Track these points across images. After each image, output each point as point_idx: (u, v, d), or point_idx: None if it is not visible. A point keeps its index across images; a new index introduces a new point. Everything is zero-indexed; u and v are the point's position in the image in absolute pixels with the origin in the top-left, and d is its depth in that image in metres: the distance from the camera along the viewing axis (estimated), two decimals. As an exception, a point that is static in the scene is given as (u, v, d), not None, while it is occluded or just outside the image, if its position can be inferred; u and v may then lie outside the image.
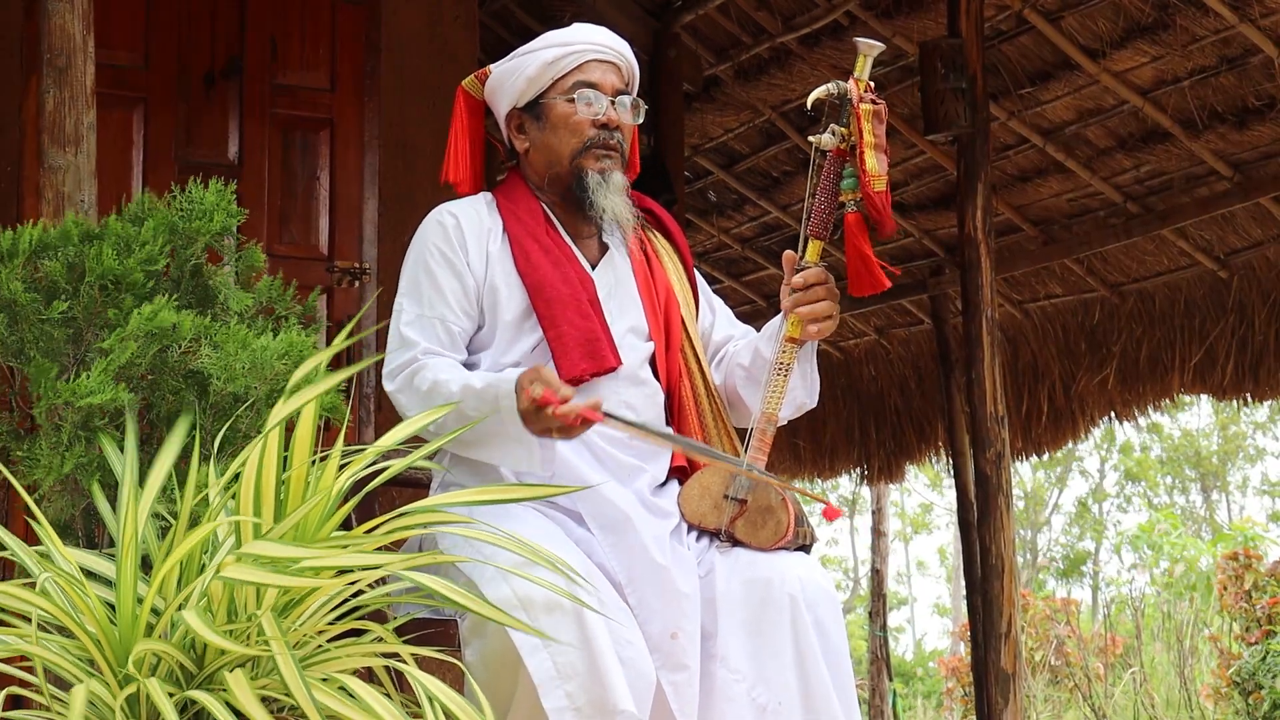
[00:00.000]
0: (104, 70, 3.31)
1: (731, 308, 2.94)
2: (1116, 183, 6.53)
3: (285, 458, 2.06)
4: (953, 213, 6.19)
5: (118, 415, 2.28)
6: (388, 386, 2.59)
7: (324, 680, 1.89)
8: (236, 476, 2.04)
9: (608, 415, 2.40)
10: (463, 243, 2.65)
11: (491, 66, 2.76)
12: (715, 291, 2.94)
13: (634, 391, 2.64)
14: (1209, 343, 6.60)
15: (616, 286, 2.70)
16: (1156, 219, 6.45)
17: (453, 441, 2.51)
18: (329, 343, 2.31)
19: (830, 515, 2.52)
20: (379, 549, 2.07)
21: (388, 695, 2.08)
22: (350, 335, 2.61)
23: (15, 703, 1.94)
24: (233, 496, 2.04)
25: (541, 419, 2.38)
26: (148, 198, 2.56)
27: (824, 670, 2.44)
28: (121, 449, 2.22)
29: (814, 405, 2.74)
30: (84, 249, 2.37)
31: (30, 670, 1.94)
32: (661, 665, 2.41)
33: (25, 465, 2.27)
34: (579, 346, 2.56)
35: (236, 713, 1.83)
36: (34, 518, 2.10)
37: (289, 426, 2.09)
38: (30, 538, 2.18)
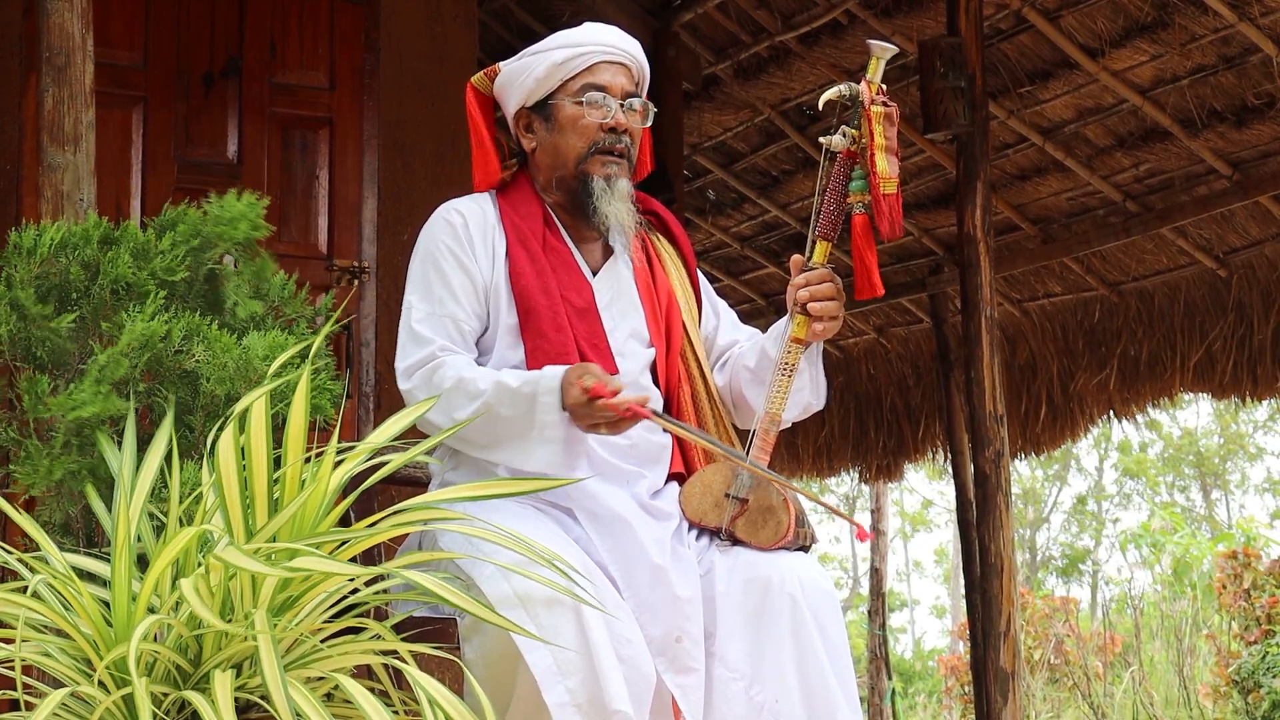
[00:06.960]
0: (103, 69, 3.31)
1: (730, 306, 2.93)
2: (1116, 181, 6.53)
3: (278, 456, 2.06)
4: (952, 211, 6.18)
5: (118, 418, 2.28)
6: (403, 385, 2.55)
7: (320, 679, 1.89)
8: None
9: (654, 412, 2.41)
10: (470, 242, 2.64)
11: (501, 64, 2.74)
12: (714, 290, 2.94)
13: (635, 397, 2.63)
14: (1209, 342, 6.60)
15: (618, 292, 2.70)
16: (1156, 218, 6.44)
17: (464, 442, 2.50)
18: (330, 343, 2.31)
19: (863, 538, 2.54)
20: (374, 547, 2.06)
21: (384, 693, 2.07)
22: (335, 332, 2.59)
23: (15, 702, 1.94)
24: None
25: (592, 412, 2.38)
26: (184, 207, 2.55)
27: (825, 669, 2.43)
28: (120, 451, 2.22)
29: (821, 407, 2.74)
30: (100, 251, 2.37)
31: (28, 671, 1.93)
32: (667, 669, 2.40)
33: (17, 472, 2.26)
34: (551, 360, 2.53)
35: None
36: (30, 520, 2.10)
37: (279, 425, 2.08)
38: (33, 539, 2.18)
